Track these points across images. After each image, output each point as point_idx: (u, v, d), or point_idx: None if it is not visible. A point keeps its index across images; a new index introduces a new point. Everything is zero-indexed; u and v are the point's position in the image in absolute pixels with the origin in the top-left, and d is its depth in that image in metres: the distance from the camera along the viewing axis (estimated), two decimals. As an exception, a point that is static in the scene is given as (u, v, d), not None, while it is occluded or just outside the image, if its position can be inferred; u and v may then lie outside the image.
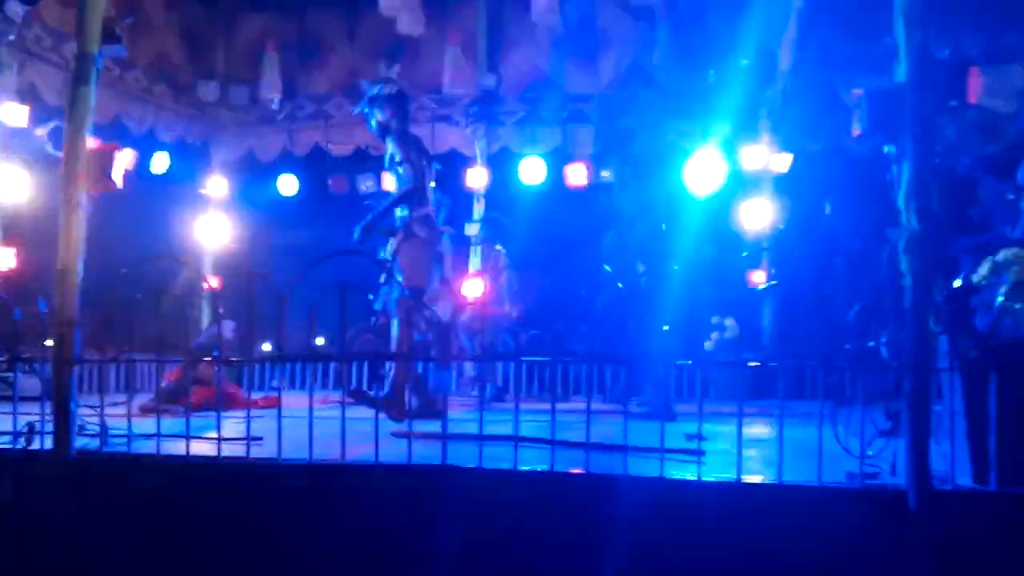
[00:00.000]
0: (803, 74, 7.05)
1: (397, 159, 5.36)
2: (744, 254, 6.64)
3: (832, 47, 6.67)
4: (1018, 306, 2.99)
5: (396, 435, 3.98)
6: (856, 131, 2.99)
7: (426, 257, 5.38)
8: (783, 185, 7.91)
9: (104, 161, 3.65)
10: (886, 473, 3.02)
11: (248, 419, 3.52)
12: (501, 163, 8.66)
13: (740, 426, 3.08)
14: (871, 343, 3.15)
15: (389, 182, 5.53)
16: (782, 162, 7.75)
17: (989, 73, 5.88)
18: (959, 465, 2.90)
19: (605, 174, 6.58)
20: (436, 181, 5.73)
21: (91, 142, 3.74)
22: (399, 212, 5.39)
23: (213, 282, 8.35)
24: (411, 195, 5.31)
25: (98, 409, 3.73)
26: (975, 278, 3.08)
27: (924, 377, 2.80)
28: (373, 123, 5.45)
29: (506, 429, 3.47)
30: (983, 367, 2.86)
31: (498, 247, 7.70)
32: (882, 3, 3.01)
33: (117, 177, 3.69)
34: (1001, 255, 3.07)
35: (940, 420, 2.97)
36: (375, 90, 5.42)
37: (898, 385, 2.86)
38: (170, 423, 3.74)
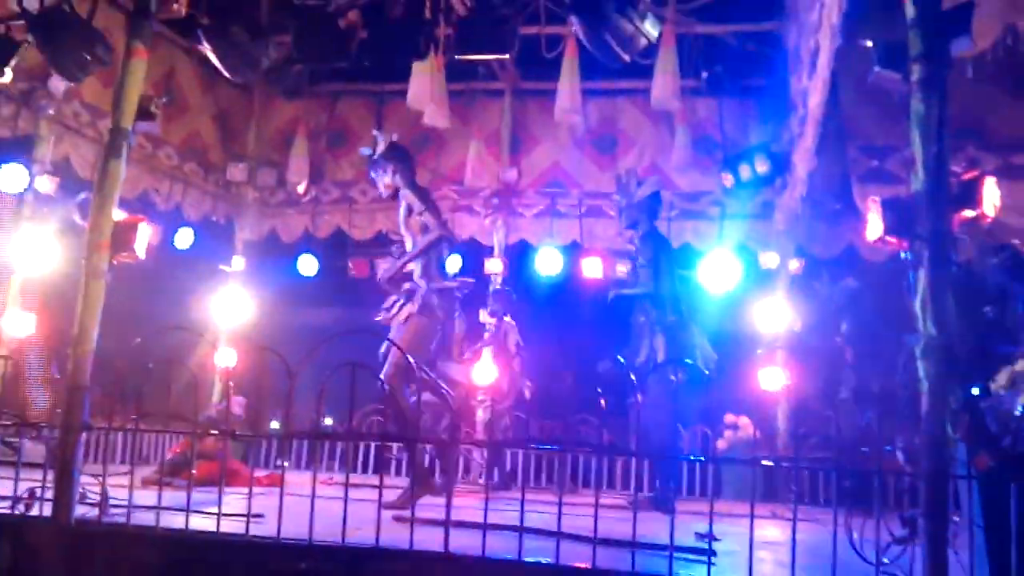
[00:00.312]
0: (820, 181, 7.17)
1: (416, 210, 5.28)
2: (759, 351, 6.60)
3: (850, 158, 6.79)
4: (1037, 416, 2.95)
5: (398, 519, 3.92)
6: (871, 238, 3.03)
7: (432, 336, 5.24)
8: (797, 288, 7.94)
9: (128, 233, 3.73)
10: (902, 583, 2.93)
11: (250, 496, 3.48)
12: (518, 254, 8.77)
13: (752, 526, 3.02)
14: (888, 448, 3.10)
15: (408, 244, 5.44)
16: (796, 266, 7.81)
17: (1003, 187, 5.97)
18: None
19: (621, 269, 6.60)
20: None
21: (118, 214, 3.83)
22: (417, 276, 5.23)
23: (228, 358, 8.38)
24: (438, 245, 5.20)
25: (100, 478, 3.70)
26: (993, 387, 3.06)
27: (941, 484, 2.75)
28: (382, 186, 5.44)
29: (512, 518, 3.41)
30: (1001, 477, 2.80)
31: (508, 319, 7.70)
32: (898, 116, 3.10)
33: (140, 249, 3.76)
34: (1020, 364, 3.05)
35: (957, 528, 2.90)
36: (374, 148, 5.43)
37: (914, 491, 2.80)
38: (172, 496, 3.69)
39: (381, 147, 5.43)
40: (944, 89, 2.88)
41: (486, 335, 8.32)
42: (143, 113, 3.81)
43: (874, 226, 2.99)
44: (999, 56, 4.01)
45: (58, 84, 6.09)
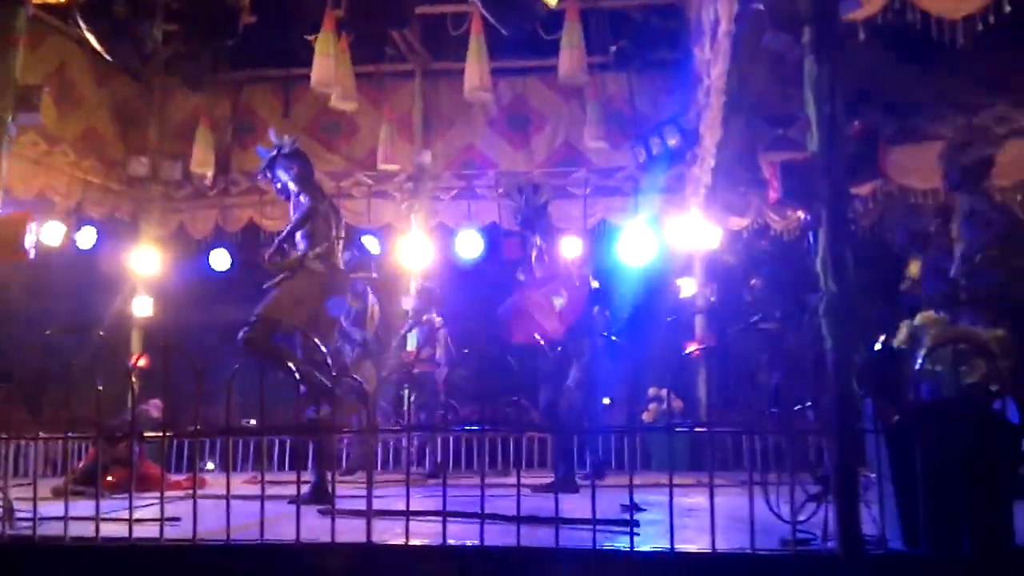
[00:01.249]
0: (728, 153, 7.29)
1: (295, 190, 5.22)
2: (670, 318, 6.72)
3: (755, 127, 6.92)
4: (938, 368, 3.05)
5: (322, 512, 3.85)
6: (771, 202, 3.08)
7: (309, 296, 5.02)
8: (712, 259, 8.10)
9: (15, 230, 3.53)
10: (819, 539, 3.01)
11: (161, 499, 3.35)
12: (438, 238, 8.69)
13: (672, 495, 3.05)
14: (796, 408, 3.17)
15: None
16: (711, 237, 7.94)
17: (903, 151, 6.18)
18: (890, 528, 2.90)
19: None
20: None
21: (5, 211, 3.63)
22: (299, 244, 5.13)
23: (140, 360, 8.08)
24: (311, 220, 5.09)
25: (2, 489, 3.52)
26: (895, 342, 3.14)
27: (848, 440, 2.81)
28: (279, 184, 5.33)
29: (438, 505, 3.37)
30: (907, 430, 2.89)
31: (433, 316, 7.63)
32: (796, 83, 3.15)
33: (29, 246, 3.56)
34: (918, 319, 3.14)
35: (869, 483, 2.98)
36: (277, 150, 5.32)
37: (823, 449, 2.87)
38: (84, 505, 3.53)
39: (287, 147, 5.31)
40: (836, 51, 2.92)
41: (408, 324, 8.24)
42: (25, 103, 3.60)
43: (774, 190, 3.04)
44: (890, 21, 4.11)
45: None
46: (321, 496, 4.45)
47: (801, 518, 2.97)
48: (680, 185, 8.00)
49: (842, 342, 2.84)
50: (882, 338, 3.08)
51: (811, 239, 2.94)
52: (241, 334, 4.79)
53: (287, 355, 4.83)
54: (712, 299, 7.90)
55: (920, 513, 2.79)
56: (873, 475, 3.04)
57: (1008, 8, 4.02)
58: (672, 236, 8.02)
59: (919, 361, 2.95)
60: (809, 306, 3.27)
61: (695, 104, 6.95)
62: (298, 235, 5.13)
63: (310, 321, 4.91)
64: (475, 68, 6.96)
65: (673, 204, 8.11)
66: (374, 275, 7.34)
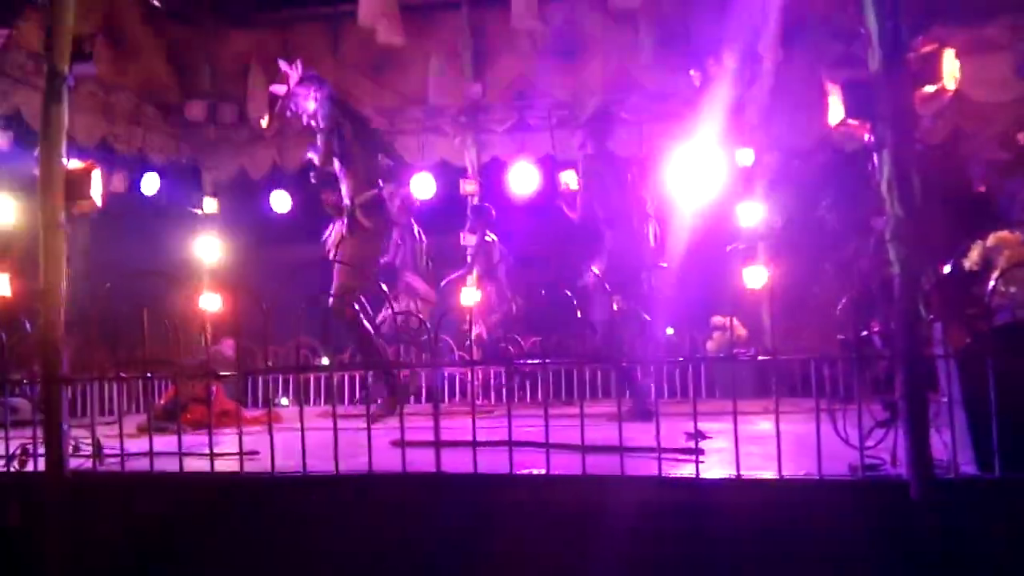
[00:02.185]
0: (789, 72, 7.05)
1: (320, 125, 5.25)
2: (731, 247, 6.59)
3: (817, 44, 6.67)
4: (1012, 290, 2.96)
5: (394, 444, 3.96)
6: (833, 123, 2.99)
7: (367, 259, 5.17)
8: (775, 184, 7.91)
9: (82, 181, 3.63)
10: (888, 464, 3.00)
11: (240, 434, 3.49)
12: (492, 172, 8.65)
13: (736, 422, 3.06)
14: (863, 333, 3.12)
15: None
16: (772, 161, 7.75)
17: (969, 61, 5.89)
18: (962, 453, 2.88)
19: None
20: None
21: (73, 163, 3.72)
22: (344, 193, 5.22)
23: (211, 301, 8.34)
24: (342, 160, 5.14)
25: (91, 428, 3.70)
26: (966, 263, 3.06)
27: (917, 366, 2.78)
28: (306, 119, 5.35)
29: (503, 435, 3.44)
30: (978, 353, 2.83)
31: (490, 236, 7.65)
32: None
33: (96, 196, 3.66)
34: (992, 240, 3.05)
35: (939, 408, 2.95)
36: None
37: (892, 375, 2.84)
38: (166, 441, 3.70)
39: (295, 77, 5.29)
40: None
41: (468, 257, 8.31)
42: (79, 54, 3.65)
43: (835, 110, 2.95)
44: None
45: (-3, 35, 5.84)
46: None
47: (869, 444, 2.96)
48: (739, 107, 7.78)
49: (909, 266, 2.78)
50: (952, 260, 3.00)
51: (875, 161, 2.85)
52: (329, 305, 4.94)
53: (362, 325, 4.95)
54: (776, 225, 7.74)
55: (993, 437, 2.75)
56: (943, 399, 3.00)
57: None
58: (732, 161, 7.83)
59: (992, 283, 2.87)
60: (875, 229, 3.19)
61: (753, 23, 6.72)
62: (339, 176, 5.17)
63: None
64: (523, -6, 6.78)
65: (732, 127, 7.90)
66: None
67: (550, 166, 8.34)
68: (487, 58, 8.44)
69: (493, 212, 7.98)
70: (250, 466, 3.51)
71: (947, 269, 3.01)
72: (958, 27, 6.07)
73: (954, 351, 2.91)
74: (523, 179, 8.23)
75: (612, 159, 5.92)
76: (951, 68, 3.11)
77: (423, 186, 8.29)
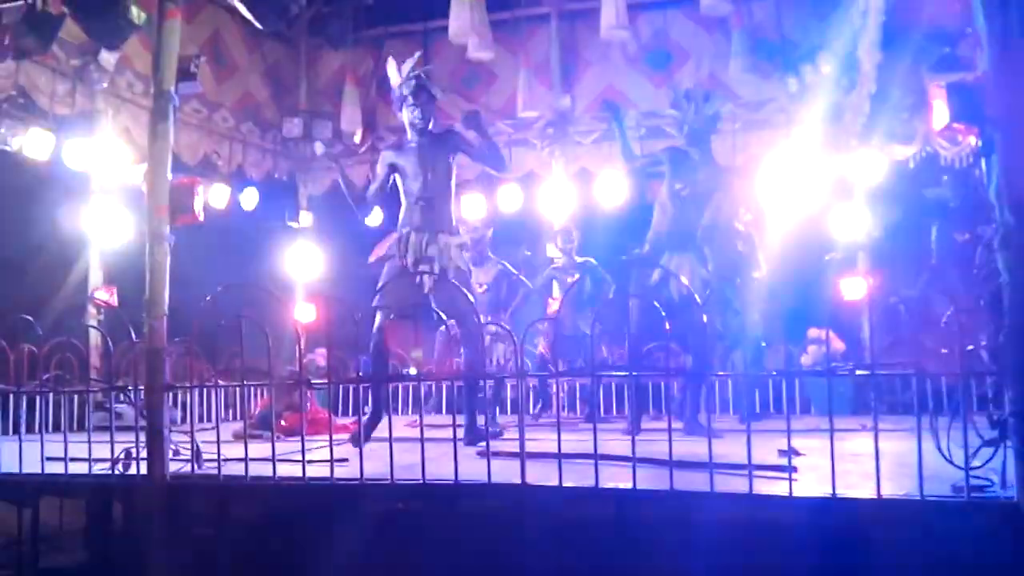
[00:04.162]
0: (890, 76, 6.79)
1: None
2: (828, 256, 6.37)
3: (919, 47, 6.41)
4: None
5: (480, 455, 3.97)
6: (937, 128, 2.85)
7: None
8: (875, 192, 7.63)
9: (186, 195, 3.78)
10: (996, 485, 2.83)
11: (331, 442, 3.56)
12: (579, 184, 8.62)
13: (832, 439, 2.95)
14: (970, 347, 2.96)
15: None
16: (874, 168, 7.48)
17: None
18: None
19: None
20: None
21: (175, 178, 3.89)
22: None
23: (306, 312, 8.58)
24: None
25: (190, 434, 3.84)
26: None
27: (1029, 381, 2.61)
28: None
29: (588, 448, 3.40)
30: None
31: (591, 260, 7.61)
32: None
33: (199, 210, 3.81)
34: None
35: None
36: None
37: (1000, 391, 2.68)
38: (261, 447, 3.81)
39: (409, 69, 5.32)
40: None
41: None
42: (184, 73, 3.82)
43: (940, 114, 2.82)
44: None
45: (109, 57, 6.16)
46: (474, 437, 4.58)
47: (975, 464, 2.80)
48: (837, 114, 7.53)
49: (1020, 276, 2.62)
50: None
51: (985, 167, 2.71)
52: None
53: None
54: (876, 234, 7.46)
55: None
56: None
57: None
58: (830, 169, 7.59)
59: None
60: (984, 238, 3.03)
61: (850, 27, 6.50)
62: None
63: None
64: (612, 6, 6.78)
65: (830, 135, 7.66)
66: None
67: (638, 177, 8.25)
68: (576, 70, 8.45)
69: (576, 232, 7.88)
70: (340, 472, 3.58)
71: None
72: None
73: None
74: (610, 190, 8.18)
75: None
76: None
77: (510, 198, 8.33)
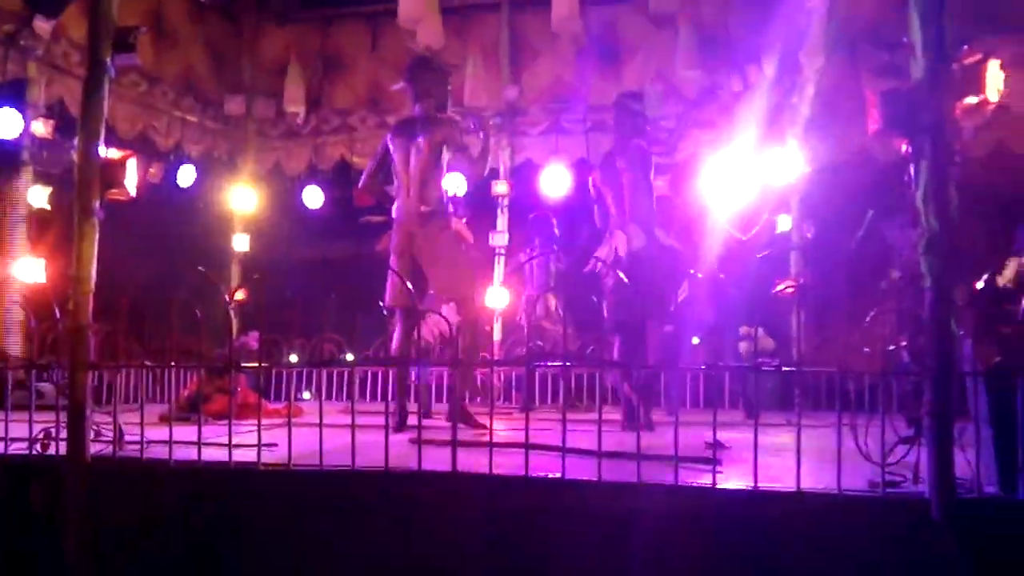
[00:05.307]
0: (830, 81, 6.95)
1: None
2: (760, 255, 6.51)
3: (859, 53, 6.56)
4: (1046, 309, 2.88)
5: (413, 442, 3.96)
6: (872, 133, 2.93)
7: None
8: (809, 193, 7.80)
9: (117, 170, 3.67)
10: (909, 481, 2.93)
11: (259, 426, 3.51)
12: (525, 174, 8.64)
13: (756, 432, 3.01)
14: (891, 348, 3.05)
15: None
16: (809, 170, 7.63)
17: (1016, 73, 5.75)
18: (986, 473, 2.80)
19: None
20: None
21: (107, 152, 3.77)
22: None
23: (241, 293, 8.42)
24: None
25: (113, 414, 3.75)
26: (1000, 280, 2.98)
27: (945, 383, 2.70)
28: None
29: (522, 437, 3.42)
30: (1008, 372, 2.76)
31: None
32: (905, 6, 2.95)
33: (131, 186, 3.70)
34: (1027, 256, 2.97)
35: (965, 427, 2.87)
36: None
37: (919, 390, 2.77)
38: (188, 431, 3.73)
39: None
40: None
41: (497, 260, 8.31)
42: (122, 44, 3.69)
43: (875, 120, 2.89)
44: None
45: (43, 24, 5.95)
46: (402, 424, 4.58)
47: (891, 460, 2.89)
48: (778, 115, 7.68)
49: (942, 281, 2.71)
50: (985, 276, 2.92)
51: (913, 173, 2.79)
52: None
53: None
54: (809, 235, 7.63)
55: (1018, 458, 2.68)
56: (970, 418, 2.92)
57: None
58: (768, 169, 7.74)
59: (1026, 300, 2.80)
60: (908, 241, 3.12)
61: (795, 29, 6.62)
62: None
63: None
64: (563, -2, 6.78)
65: (770, 135, 7.80)
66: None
67: (583, 170, 8.30)
68: (525, 61, 8.45)
69: (554, 220, 7.92)
70: (268, 457, 3.53)
71: (980, 285, 2.93)
72: (1006, 37, 5.93)
73: (984, 369, 2.84)
74: (555, 182, 8.20)
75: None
76: (995, 80, 3.04)
77: (455, 185, 8.28)
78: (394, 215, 5.22)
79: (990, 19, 5.50)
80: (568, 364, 3.53)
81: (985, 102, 2.89)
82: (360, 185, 5.43)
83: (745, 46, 7.50)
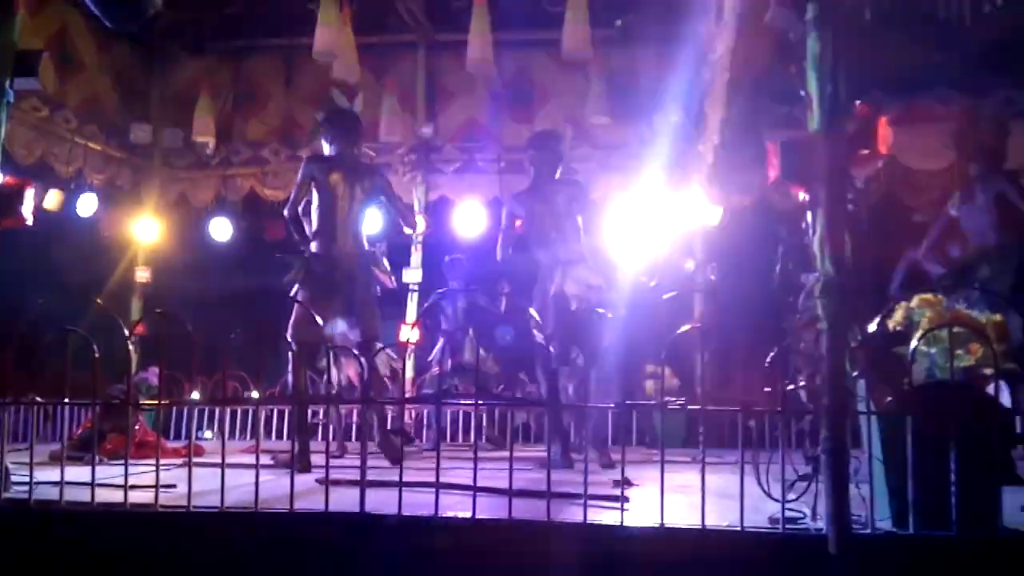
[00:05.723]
0: (733, 130, 7.24)
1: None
2: (666, 296, 6.72)
3: (760, 105, 6.86)
4: (933, 351, 3.05)
5: (320, 482, 3.87)
6: (771, 180, 3.07)
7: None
8: (712, 237, 8.08)
9: (13, 197, 3.53)
10: (808, 518, 3.02)
11: (157, 466, 3.37)
12: (439, 211, 8.68)
13: (663, 471, 3.07)
14: (790, 387, 3.17)
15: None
16: (713, 216, 7.91)
17: (905, 130, 6.14)
18: (880, 509, 2.92)
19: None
20: None
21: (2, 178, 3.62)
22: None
23: (142, 327, 8.11)
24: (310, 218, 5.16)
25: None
26: (891, 324, 3.14)
27: (840, 421, 2.82)
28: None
29: (432, 476, 3.39)
30: (898, 411, 2.89)
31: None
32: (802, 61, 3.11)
33: (27, 213, 3.56)
34: (915, 301, 3.14)
35: (859, 464, 2.99)
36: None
37: (816, 429, 2.88)
38: (81, 471, 3.56)
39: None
40: (840, 28, 2.90)
41: (411, 296, 8.27)
42: (23, 68, 3.57)
43: (774, 168, 3.02)
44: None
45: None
46: (303, 465, 4.48)
47: (791, 497, 2.98)
48: (684, 162, 7.95)
49: (837, 323, 2.83)
50: (877, 319, 3.08)
51: (811, 219, 2.92)
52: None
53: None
54: (712, 277, 7.88)
55: (909, 494, 2.80)
56: (864, 455, 3.05)
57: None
58: (675, 214, 7.98)
59: (914, 343, 2.95)
60: (805, 286, 3.27)
61: (700, 81, 6.89)
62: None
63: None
64: (478, 40, 6.90)
65: (676, 181, 8.06)
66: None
67: (498, 209, 8.38)
68: (440, 100, 8.54)
69: (464, 261, 7.96)
70: (166, 499, 3.39)
71: (872, 327, 3.08)
72: (895, 96, 6.33)
73: (876, 408, 2.97)
74: (469, 219, 8.26)
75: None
76: (885, 134, 3.22)
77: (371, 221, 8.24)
78: (316, 251, 5.13)
79: (878, 80, 5.85)
80: (480, 403, 3.53)
81: (875, 155, 3.06)
82: (289, 214, 5.34)
83: (653, 95, 7.76)
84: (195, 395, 7.41)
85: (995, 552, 2.81)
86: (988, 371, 2.97)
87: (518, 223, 5.74)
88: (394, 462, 4.27)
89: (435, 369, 7.66)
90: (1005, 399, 3.02)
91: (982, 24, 4.32)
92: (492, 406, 6.22)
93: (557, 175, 5.78)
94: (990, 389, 2.96)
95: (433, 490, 3.20)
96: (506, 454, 3.19)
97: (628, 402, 5.51)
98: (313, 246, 5.19)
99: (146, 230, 8.72)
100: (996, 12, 4.21)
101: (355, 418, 6.25)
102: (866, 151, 3.02)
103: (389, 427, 5.03)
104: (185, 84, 8.67)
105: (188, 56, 8.43)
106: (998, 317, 3.15)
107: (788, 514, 2.93)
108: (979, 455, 2.81)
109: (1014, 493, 3.00)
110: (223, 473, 3.27)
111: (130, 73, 8.49)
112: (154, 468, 3.38)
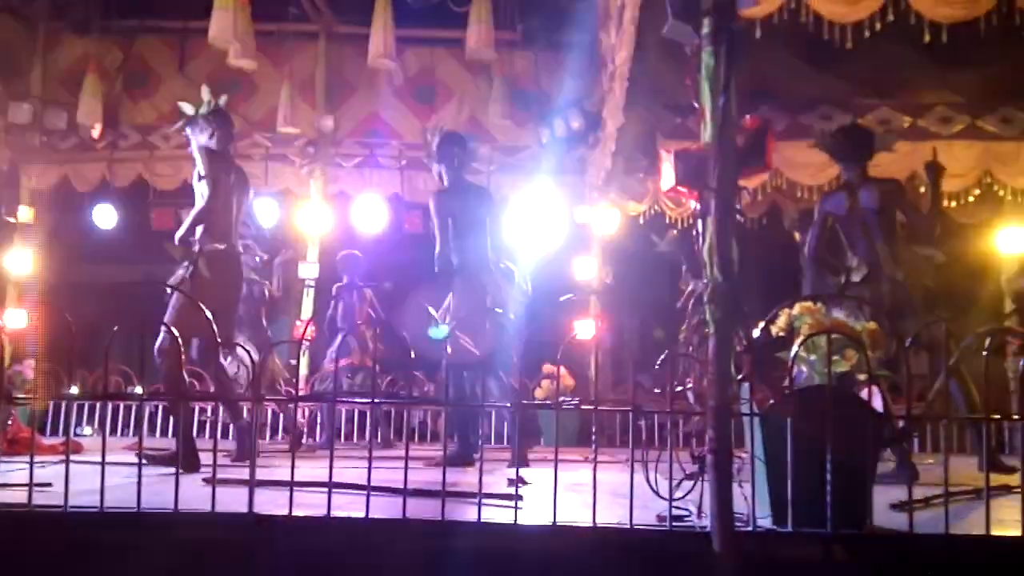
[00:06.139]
0: (628, 139, 7.42)
1: (201, 174, 4.93)
2: (564, 298, 6.83)
3: (655, 115, 7.05)
4: (812, 357, 3.21)
5: (207, 481, 3.77)
6: (664, 188, 3.17)
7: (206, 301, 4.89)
8: (608, 242, 8.25)
9: None
10: (694, 515, 3.14)
11: (31, 464, 3.21)
12: (337, 206, 8.55)
13: (556, 470, 3.12)
14: (678, 388, 3.28)
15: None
16: (610, 221, 8.09)
17: (792, 146, 6.45)
18: (761, 507, 3.05)
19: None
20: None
21: None
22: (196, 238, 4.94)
23: (16, 317, 7.68)
24: (207, 217, 4.90)
25: None
26: (774, 329, 3.29)
27: (725, 422, 2.93)
28: (194, 146, 5.11)
29: (324, 475, 3.34)
30: (779, 413, 3.03)
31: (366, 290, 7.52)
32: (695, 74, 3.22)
33: None
34: (797, 308, 3.29)
35: (743, 464, 3.12)
36: (198, 110, 5.12)
37: (702, 430, 2.98)
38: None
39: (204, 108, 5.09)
40: (732, 45, 3.01)
41: (307, 292, 8.11)
42: None
43: (667, 177, 3.12)
44: (785, 20, 4.26)
45: None
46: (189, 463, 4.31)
47: (678, 495, 3.09)
48: (581, 167, 8.10)
49: (724, 328, 2.95)
50: (761, 325, 3.21)
51: (700, 227, 3.03)
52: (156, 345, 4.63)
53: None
54: (608, 281, 8.06)
55: (788, 493, 2.94)
56: (747, 455, 3.18)
57: (891, 17, 4.24)
58: (572, 218, 8.13)
59: (795, 348, 3.10)
60: (695, 292, 3.39)
61: (599, 88, 7.04)
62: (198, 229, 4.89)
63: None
64: (380, 35, 6.85)
65: (574, 186, 8.21)
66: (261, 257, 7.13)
67: (398, 204, 8.34)
68: (341, 92, 8.42)
69: (360, 256, 7.83)
70: (41, 498, 3.23)
71: (756, 333, 3.21)
72: (782, 113, 6.63)
73: (758, 410, 3.10)
74: (369, 214, 8.18)
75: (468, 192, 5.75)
76: (772, 148, 3.37)
77: (266, 213, 8.06)
78: (215, 244, 4.91)
79: (766, 94, 6.13)
80: (377, 401, 3.50)
81: (763, 168, 3.20)
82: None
83: (553, 100, 7.88)
84: (74, 389, 7.08)
85: (865, 548, 2.99)
86: (862, 376, 3.15)
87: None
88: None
89: (329, 366, 7.55)
90: (877, 403, 3.20)
91: (863, 48, 4.56)
92: (388, 405, 6.18)
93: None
94: (863, 393, 3.14)
95: (326, 490, 3.16)
96: (401, 453, 3.18)
97: (524, 401, 5.54)
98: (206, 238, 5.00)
99: (22, 213, 8.26)
100: (875, 38, 4.47)
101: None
102: (754, 164, 3.15)
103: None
104: (71, 63, 8.27)
105: (75, 35, 8.02)
106: (872, 325, 3.34)
107: (675, 512, 3.03)
108: (852, 457, 2.98)
109: (884, 493, 3.20)
110: (103, 471, 3.14)
111: (11, 48, 8.03)
112: (28, 466, 3.21)
